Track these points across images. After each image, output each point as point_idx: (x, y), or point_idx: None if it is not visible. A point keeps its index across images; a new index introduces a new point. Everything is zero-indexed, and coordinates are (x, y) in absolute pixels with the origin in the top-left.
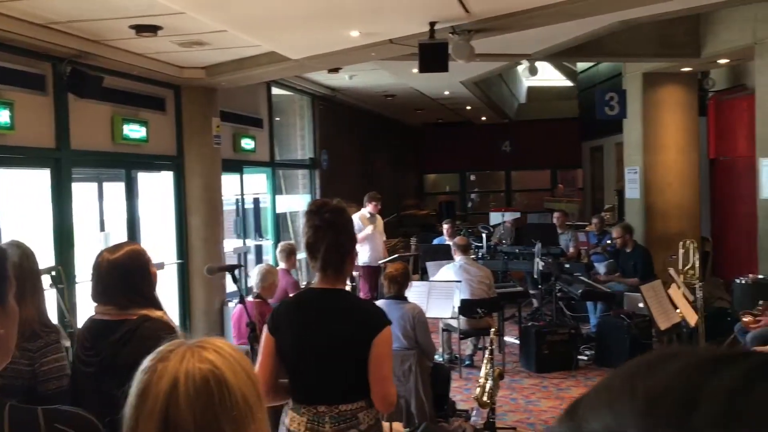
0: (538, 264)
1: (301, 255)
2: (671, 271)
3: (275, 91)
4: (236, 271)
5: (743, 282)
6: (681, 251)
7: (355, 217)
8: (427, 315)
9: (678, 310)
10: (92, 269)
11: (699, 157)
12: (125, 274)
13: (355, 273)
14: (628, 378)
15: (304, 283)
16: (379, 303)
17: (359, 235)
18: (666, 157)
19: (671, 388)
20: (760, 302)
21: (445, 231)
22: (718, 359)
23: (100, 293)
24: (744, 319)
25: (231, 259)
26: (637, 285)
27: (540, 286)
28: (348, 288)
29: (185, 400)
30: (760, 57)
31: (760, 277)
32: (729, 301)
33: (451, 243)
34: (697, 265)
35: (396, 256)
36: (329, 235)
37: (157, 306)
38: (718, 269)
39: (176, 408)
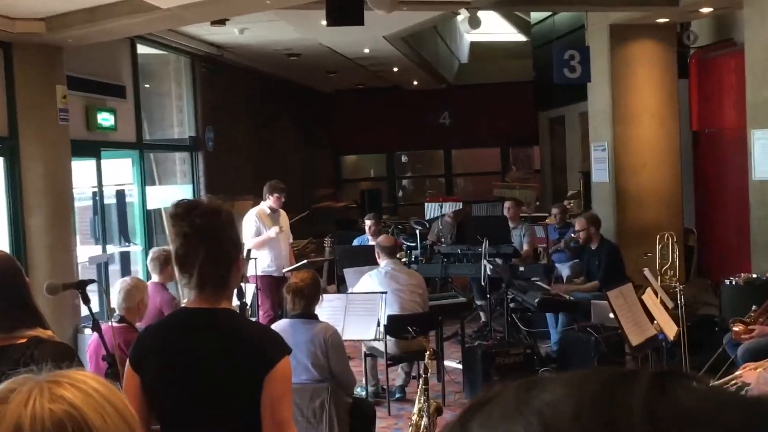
0: (486, 267)
1: None
2: (646, 272)
3: (142, 49)
4: (88, 288)
5: (733, 283)
6: (658, 247)
7: (251, 215)
8: (345, 337)
9: (655, 321)
10: None
11: (680, 129)
12: (3, 287)
13: (251, 286)
14: (515, 400)
15: (185, 300)
16: (282, 324)
17: (258, 239)
18: (640, 130)
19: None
20: (753, 308)
21: (367, 228)
22: (617, 377)
23: None
24: (734, 329)
25: (88, 272)
26: (595, 290)
27: (488, 296)
28: (235, 306)
29: None
30: (750, 4)
31: (754, 276)
32: (717, 306)
33: (374, 243)
34: (677, 263)
35: (305, 262)
36: (205, 244)
37: (44, 324)
38: (703, 268)
39: None
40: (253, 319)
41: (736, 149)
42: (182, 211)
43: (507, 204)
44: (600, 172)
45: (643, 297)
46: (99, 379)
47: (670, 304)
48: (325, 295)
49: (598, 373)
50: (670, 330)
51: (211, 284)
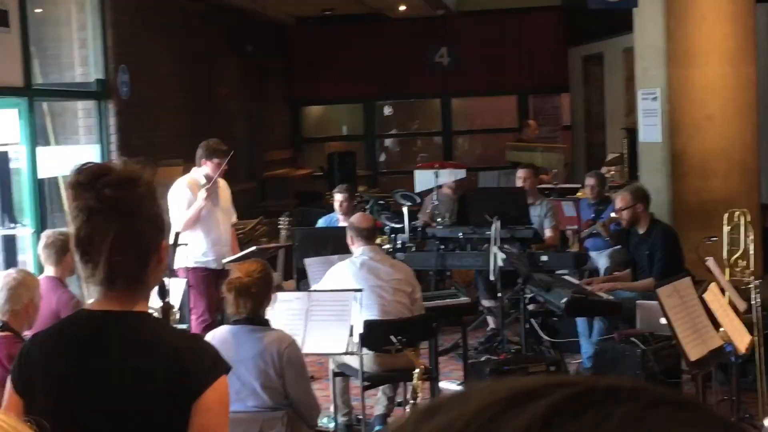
0: (497, 257)
1: None
2: (710, 262)
3: None
4: None
5: None
6: (727, 229)
7: (181, 186)
8: (306, 350)
9: (721, 329)
10: None
11: (757, 71)
12: None
13: (179, 281)
14: (413, 423)
15: (90, 300)
16: (220, 333)
17: (185, 214)
18: (704, 73)
19: None
20: None
21: (337, 205)
22: (514, 398)
23: None
24: None
25: None
26: (648, 290)
27: (500, 295)
28: (155, 310)
29: None
30: None
31: None
32: None
33: (346, 225)
34: (752, 251)
35: (253, 249)
36: (115, 224)
37: None
38: None
39: None
40: (183, 327)
41: None
42: (86, 179)
43: (520, 173)
44: (650, 130)
45: (706, 296)
46: None
47: (742, 306)
48: (279, 294)
49: (494, 392)
50: (742, 340)
51: (122, 279)
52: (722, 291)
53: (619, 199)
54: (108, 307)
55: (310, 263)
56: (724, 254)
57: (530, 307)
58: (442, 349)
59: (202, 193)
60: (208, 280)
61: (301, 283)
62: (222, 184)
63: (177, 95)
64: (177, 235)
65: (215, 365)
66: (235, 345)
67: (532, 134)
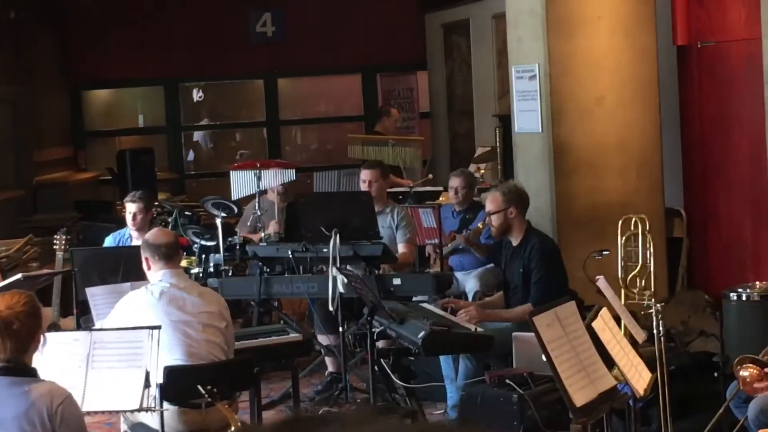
0: (336, 281)
1: None
2: (600, 282)
3: None
4: None
5: (743, 298)
6: (621, 240)
7: None
8: (88, 407)
9: (615, 366)
10: None
11: (656, 42)
12: None
13: None
14: None
15: None
16: None
17: None
18: (592, 44)
19: None
20: None
21: (130, 217)
22: None
23: None
24: (743, 374)
25: None
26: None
27: (341, 329)
28: None
29: None
30: None
31: None
32: (718, 337)
33: (140, 242)
34: (653, 267)
35: (18, 277)
36: None
37: None
38: (697, 274)
39: None
40: None
41: (749, 75)
42: None
43: (365, 174)
44: (527, 116)
45: (594, 324)
46: None
47: (641, 336)
48: (51, 334)
49: None
50: (641, 379)
51: None
52: (616, 318)
53: (489, 201)
54: None
55: (94, 294)
56: (619, 272)
57: (379, 344)
58: (267, 401)
59: None
60: None
61: (83, 319)
62: None
63: None
64: None
65: None
66: None
67: (394, 126)
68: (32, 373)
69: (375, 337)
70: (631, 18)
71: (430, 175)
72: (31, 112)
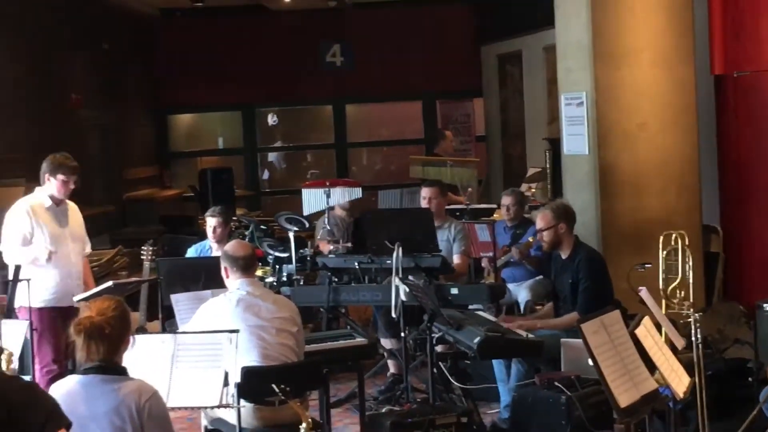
0: (399, 290)
1: None
2: (643, 293)
3: None
4: None
5: None
6: (663, 254)
7: (21, 209)
8: (172, 403)
9: (657, 370)
10: None
11: (695, 72)
12: None
13: (21, 323)
14: None
15: None
16: (67, 385)
17: (28, 251)
18: (635, 74)
19: None
20: None
21: (210, 231)
22: None
23: None
24: None
25: None
26: (575, 325)
27: (403, 334)
28: None
29: None
30: None
31: None
32: (752, 345)
33: (220, 254)
34: (692, 279)
35: (109, 284)
36: None
37: None
38: (733, 286)
39: None
40: (26, 378)
41: None
42: None
43: (425, 192)
44: (575, 140)
45: (638, 332)
46: None
47: (681, 343)
48: (139, 336)
49: None
50: (680, 383)
51: None
52: (658, 326)
53: (540, 218)
54: None
55: (178, 300)
56: (660, 283)
57: (438, 348)
58: (335, 399)
59: (42, 252)
60: (56, 322)
61: (168, 323)
62: (72, 207)
63: (17, 102)
64: (17, 268)
65: (51, 418)
66: (85, 398)
67: (449, 147)
68: (123, 372)
69: (434, 342)
70: (672, 50)
71: (470, 189)
72: (121, 134)
